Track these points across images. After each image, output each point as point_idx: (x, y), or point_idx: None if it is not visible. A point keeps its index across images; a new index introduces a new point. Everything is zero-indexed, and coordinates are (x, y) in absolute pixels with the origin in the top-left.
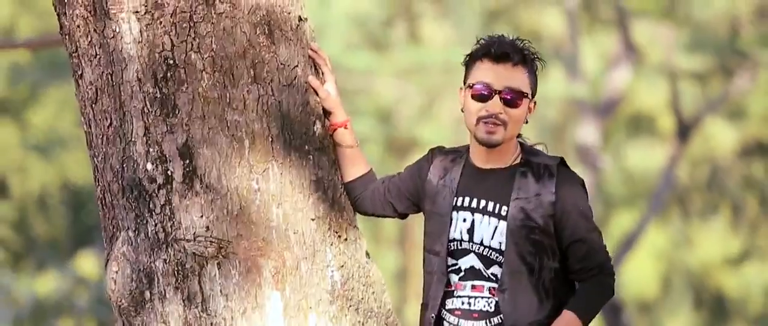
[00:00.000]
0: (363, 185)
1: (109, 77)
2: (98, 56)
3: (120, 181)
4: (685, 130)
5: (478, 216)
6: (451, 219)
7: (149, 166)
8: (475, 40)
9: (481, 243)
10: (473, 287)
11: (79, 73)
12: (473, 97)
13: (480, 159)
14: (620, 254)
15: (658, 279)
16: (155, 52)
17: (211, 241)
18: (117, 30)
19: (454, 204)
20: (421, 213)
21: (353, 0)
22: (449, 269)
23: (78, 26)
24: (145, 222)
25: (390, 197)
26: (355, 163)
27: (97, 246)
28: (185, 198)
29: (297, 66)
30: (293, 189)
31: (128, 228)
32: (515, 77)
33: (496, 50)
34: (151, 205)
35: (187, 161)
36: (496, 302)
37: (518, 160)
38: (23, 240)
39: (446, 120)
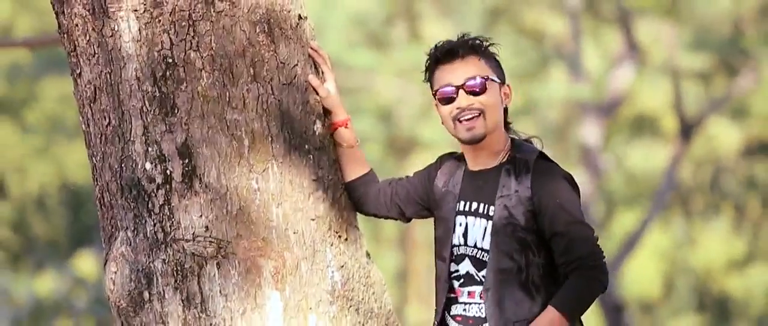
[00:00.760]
0: (364, 185)
1: (108, 76)
2: (97, 55)
3: (119, 181)
4: (687, 130)
5: (470, 218)
6: (454, 225)
7: (148, 166)
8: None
9: (475, 246)
10: (469, 293)
11: (78, 72)
12: (441, 101)
13: (471, 161)
14: (622, 254)
15: (661, 280)
16: (154, 50)
17: (210, 241)
18: (116, 28)
19: (456, 209)
20: (421, 217)
21: None
22: (452, 275)
23: (76, 25)
24: (143, 222)
25: (398, 200)
26: (356, 163)
27: (95, 247)
28: (184, 197)
29: (297, 65)
30: (293, 188)
31: (127, 228)
32: (471, 67)
33: (442, 52)
34: (149, 205)
35: (187, 160)
36: None
37: (506, 158)
38: (22, 240)
39: None
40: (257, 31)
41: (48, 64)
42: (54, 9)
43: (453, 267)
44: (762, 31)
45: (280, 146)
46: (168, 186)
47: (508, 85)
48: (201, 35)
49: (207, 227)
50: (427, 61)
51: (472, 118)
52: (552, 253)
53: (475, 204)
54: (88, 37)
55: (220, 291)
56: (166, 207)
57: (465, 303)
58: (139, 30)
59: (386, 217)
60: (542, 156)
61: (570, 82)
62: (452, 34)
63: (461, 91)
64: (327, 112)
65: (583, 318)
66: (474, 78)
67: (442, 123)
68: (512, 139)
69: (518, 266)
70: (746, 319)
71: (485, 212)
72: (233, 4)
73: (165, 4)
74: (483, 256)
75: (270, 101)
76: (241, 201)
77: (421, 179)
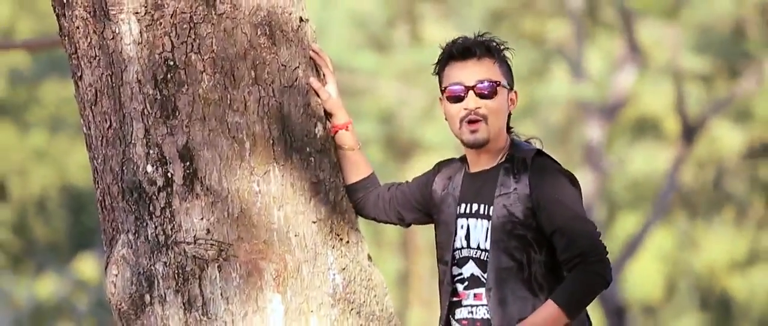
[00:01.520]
0: (365, 188)
1: (109, 79)
2: (98, 57)
3: (120, 184)
4: (690, 132)
5: (472, 220)
6: (456, 228)
7: (149, 168)
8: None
9: (478, 247)
10: (475, 295)
11: (79, 74)
12: (449, 99)
13: (472, 163)
14: (625, 257)
15: (663, 282)
16: (155, 53)
17: (211, 244)
18: (117, 31)
19: (458, 212)
20: (421, 223)
21: (355, 1)
22: (456, 279)
23: (77, 27)
24: (145, 224)
25: (398, 205)
26: (357, 166)
27: (96, 249)
28: (185, 200)
29: (298, 67)
30: (294, 191)
31: (128, 231)
32: (484, 69)
33: (458, 49)
34: (151, 208)
35: (188, 163)
36: None
37: (504, 158)
38: (23, 242)
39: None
40: (258, 33)
41: (49, 66)
42: (55, 11)
43: (456, 270)
44: (764, 33)
45: (282, 149)
46: (169, 189)
47: (515, 92)
48: (202, 38)
49: (208, 230)
50: (440, 55)
51: (477, 121)
52: (553, 251)
53: (475, 206)
54: (89, 40)
55: (222, 294)
56: (167, 209)
57: (471, 306)
58: (140, 32)
59: (386, 222)
60: (540, 153)
61: (572, 84)
62: (454, 37)
63: (471, 92)
64: (328, 115)
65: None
66: (486, 81)
67: (446, 119)
68: (512, 140)
69: (520, 264)
70: (749, 321)
71: (486, 213)
72: (234, 7)
73: (166, 6)
74: (486, 257)
75: (271, 104)
76: (243, 203)
77: (419, 185)
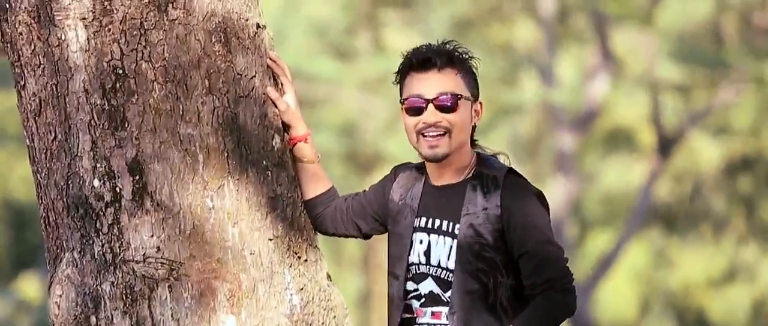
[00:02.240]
0: (324, 203)
1: (54, 88)
2: (42, 65)
3: (65, 199)
4: (666, 145)
5: (433, 236)
6: (411, 242)
7: (96, 183)
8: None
9: (439, 265)
10: (433, 313)
11: (22, 83)
12: (407, 111)
13: (434, 176)
14: (597, 275)
15: (637, 301)
16: (103, 61)
17: (161, 263)
18: (62, 38)
19: (415, 225)
20: (378, 233)
21: (315, 7)
22: (411, 295)
23: (21, 33)
24: (91, 242)
25: (353, 216)
26: (316, 180)
27: (40, 268)
28: (135, 216)
29: (254, 76)
30: (250, 207)
31: (73, 249)
32: (445, 81)
33: (418, 59)
34: (97, 224)
35: (137, 177)
36: None
37: (471, 174)
38: None
39: None
40: (213, 40)
41: None
42: None
43: (411, 285)
44: (743, 42)
45: (237, 162)
46: (117, 205)
47: (480, 103)
48: (153, 45)
49: (158, 247)
50: (400, 64)
51: (437, 135)
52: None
53: (438, 222)
54: (33, 47)
55: (172, 316)
56: (115, 226)
57: (429, 324)
58: (88, 39)
59: (345, 236)
60: (512, 171)
61: (543, 93)
62: (417, 45)
63: (431, 106)
64: (286, 126)
65: None
66: (447, 94)
67: (405, 131)
68: (478, 154)
69: (485, 288)
70: None
71: (449, 230)
72: (187, 12)
73: (115, 12)
74: (448, 276)
75: (226, 114)
76: (195, 220)
77: (375, 193)
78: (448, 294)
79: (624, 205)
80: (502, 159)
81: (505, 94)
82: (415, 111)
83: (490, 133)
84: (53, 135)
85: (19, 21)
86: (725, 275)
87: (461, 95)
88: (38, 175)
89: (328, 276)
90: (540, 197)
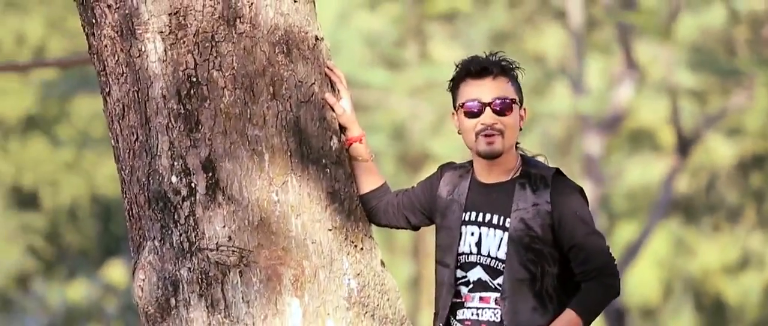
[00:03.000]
0: (377, 197)
1: (136, 94)
2: (125, 74)
3: (146, 193)
4: (685, 145)
5: (484, 229)
6: (461, 234)
7: (174, 179)
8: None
9: (489, 255)
10: (481, 298)
11: (107, 90)
12: (467, 114)
13: (483, 174)
14: (624, 263)
15: (660, 286)
16: (179, 70)
17: (233, 250)
18: (143, 49)
19: (463, 219)
20: (426, 225)
21: (367, 21)
22: (459, 281)
23: (106, 46)
24: (170, 232)
25: (403, 209)
26: (370, 176)
27: (124, 256)
28: (208, 209)
29: (314, 83)
30: (311, 200)
31: (154, 238)
32: (500, 87)
33: (475, 67)
34: (175, 216)
35: (210, 174)
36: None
37: (518, 173)
38: (55, 250)
39: (457, 135)
40: (276, 51)
41: (79, 83)
42: (84, 31)
43: (460, 273)
44: (753, 52)
45: (299, 160)
46: (193, 198)
47: (524, 108)
48: (223, 56)
49: (230, 237)
50: (456, 71)
51: (494, 135)
52: (565, 264)
53: (489, 216)
54: (116, 58)
55: (243, 298)
56: (191, 218)
57: (477, 308)
58: (165, 50)
59: (396, 227)
60: (558, 172)
61: (573, 99)
62: (461, 55)
63: (488, 109)
64: (343, 128)
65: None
66: (502, 98)
67: (459, 133)
68: (522, 155)
69: (533, 276)
70: (742, 322)
71: (500, 223)
72: (254, 26)
73: (189, 26)
74: (497, 265)
75: (289, 118)
76: (262, 212)
77: (423, 189)
78: (497, 281)
79: (647, 199)
80: (541, 159)
81: (538, 103)
82: (474, 113)
83: (523, 135)
84: (135, 136)
85: (105, 35)
86: (739, 262)
87: (514, 100)
88: (122, 172)
89: (382, 263)
90: (582, 193)
